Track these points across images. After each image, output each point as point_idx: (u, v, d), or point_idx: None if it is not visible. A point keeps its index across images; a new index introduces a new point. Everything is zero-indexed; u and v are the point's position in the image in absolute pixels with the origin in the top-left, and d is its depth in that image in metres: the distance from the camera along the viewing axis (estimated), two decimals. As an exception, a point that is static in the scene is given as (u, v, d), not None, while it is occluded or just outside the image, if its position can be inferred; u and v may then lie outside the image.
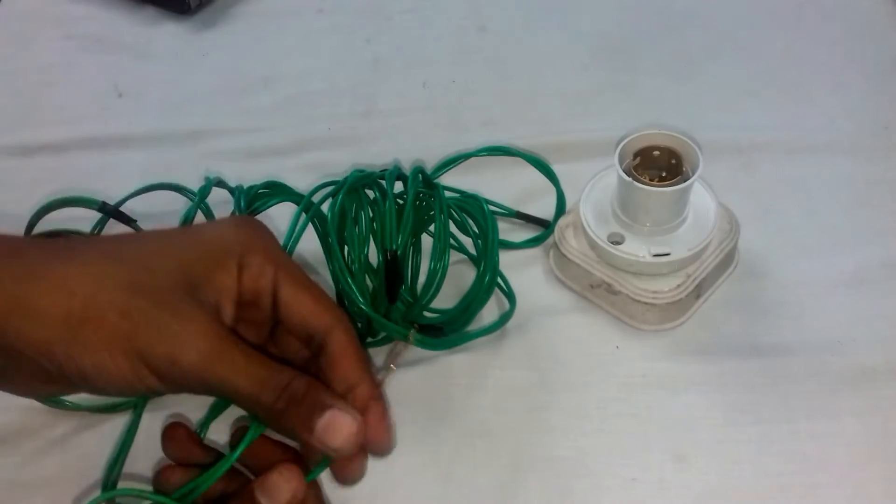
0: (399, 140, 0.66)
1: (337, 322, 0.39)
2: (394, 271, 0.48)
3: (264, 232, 0.40)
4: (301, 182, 0.55)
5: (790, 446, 0.48)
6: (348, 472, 0.40)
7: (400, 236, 0.48)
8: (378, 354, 0.54)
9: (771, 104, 0.67)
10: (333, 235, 0.48)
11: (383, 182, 0.50)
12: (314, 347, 0.39)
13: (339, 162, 0.64)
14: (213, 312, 0.36)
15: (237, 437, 0.41)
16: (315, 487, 0.40)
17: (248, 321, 0.39)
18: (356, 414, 0.37)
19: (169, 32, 0.78)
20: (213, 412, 0.44)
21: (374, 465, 0.48)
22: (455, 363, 0.53)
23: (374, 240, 0.49)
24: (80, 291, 0.34)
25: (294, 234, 0.47)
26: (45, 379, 0.36)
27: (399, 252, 0.48)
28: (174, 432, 0.40)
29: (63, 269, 0.35)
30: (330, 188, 0.50)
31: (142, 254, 0.37)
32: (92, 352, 0.34)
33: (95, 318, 0.34)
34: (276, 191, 0.50)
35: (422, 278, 0.51)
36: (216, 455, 0.41)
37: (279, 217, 0.51)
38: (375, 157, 0.64)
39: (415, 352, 0.53)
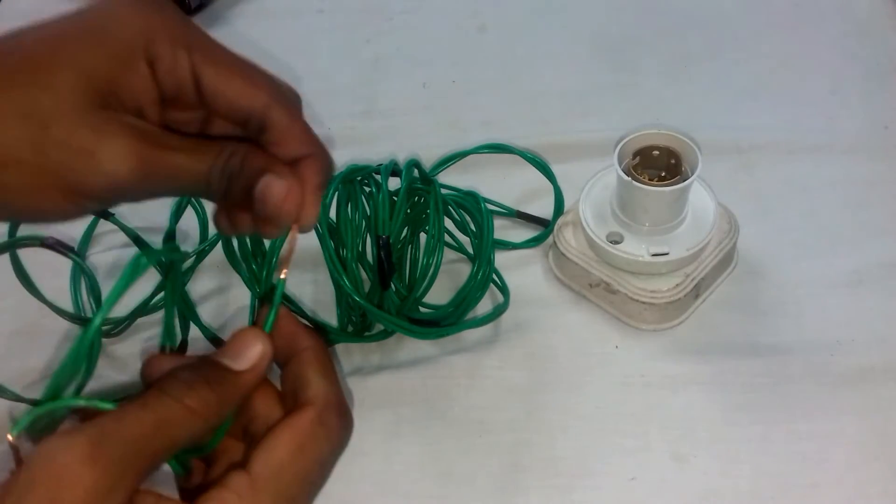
0: (399, 140, 0.66)
1: (274, 97, 0.36)
2: (386, 257, 0.48)
3: (167, 11, 0.36)
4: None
5: (789, 446, 0.48)
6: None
7: (392, 224, 0.48)
8: (374, 351, 0.54)
9: (771, 104, 0.67)
10: (325, 227, 0.48)
11: (378, 176, 0.50)
12: (254, 131, 0.36)
13: (339, 161, 0.63)
14: (133, 120, 0.34)
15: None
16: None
17: (175, 120, 0.36)
18: (289, 175, 0.35)
19: (169, 32, 0.78)
20: None
21: (374, 464, 0.49)
22: (455, 363, 0.53)
23: (368, 231, 0.49)
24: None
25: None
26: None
27: (391, 239, 0.48)
28: (154, 366, 0.36)
29: None
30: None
31: (38, 71, 0.33)
32: (22, 196, 0.33)
33: (12, 161, 0.32)
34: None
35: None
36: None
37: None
38: (375, 156, 0.64)
39: (415, 351, 0.53)
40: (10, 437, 0.30)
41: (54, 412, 0.32)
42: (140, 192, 0.34)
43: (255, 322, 0.36)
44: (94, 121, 0.33)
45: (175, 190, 0.35)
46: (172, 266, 0.38)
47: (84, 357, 0.32)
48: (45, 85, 0.33)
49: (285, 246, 0.36)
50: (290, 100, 0.37)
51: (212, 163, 0.34)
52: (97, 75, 0.33)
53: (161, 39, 0.34)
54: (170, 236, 0.54)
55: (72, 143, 0.32)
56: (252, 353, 0.34)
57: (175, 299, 0.38)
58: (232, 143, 0.35)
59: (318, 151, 0.37)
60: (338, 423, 0.34)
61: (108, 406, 0.31)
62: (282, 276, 0.35)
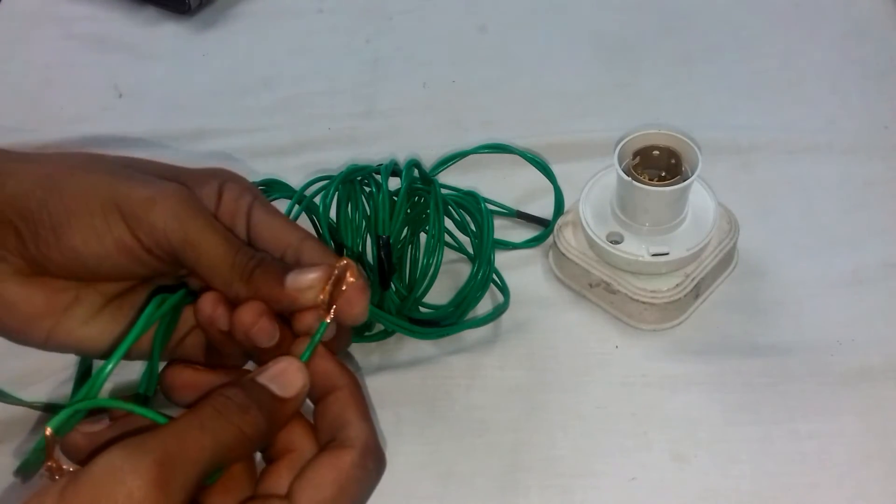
0: (399, 140, 0.66)
1: (307, 234, 0.39)
2: (386, 257, 0.48)
3: (239, 176, 0.41)
4: (301, 182, 0.55)
5: (789, 446, 0.48)
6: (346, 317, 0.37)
7: (392, 224, 0.48)
8: (374, 351, 0.54)
9: (771, 104, 0.67)
10: (325, 227, 0.48)
11: (378, 176, 0.50)
12: (288, 261, 0.39)
13: (339, 162, 0.64)
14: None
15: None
16: None
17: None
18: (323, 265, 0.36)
19: (169, 32, 0.78)
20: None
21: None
22: (455, 363, 0.53)
23: (368, 231, 0.50)
24: (51, 163, 0.36)
25: None
26: (18, 252, 0.36)
27: (391, 239, 0.48)
28: (176, 376, 0.37)
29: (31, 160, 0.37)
30: (325, 181, 0.51)
31: (131, 159, 0.39)
32: (67, 200, 0.35)
33: (68, 173, 0.36)
34: (273, 188, 0.50)
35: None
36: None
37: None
38: (375, 156, 0.64)
39: (415, 351, 0.53)
40: (48, 431, 0.31)
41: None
42: (164, 245, 0.36)
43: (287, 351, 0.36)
44: (154, 178, 0.38)
45: (196, 261, 0.36)
46: (171, 313, 0.38)
47: (97, 391, 0.33)
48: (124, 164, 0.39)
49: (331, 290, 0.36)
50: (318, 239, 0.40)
51: (242, 250, 0.36)
52: (175, 174, 0.39)
53: (233, 182, 0.39)
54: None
55: (127, 175, 0.37)
56: (297, 383, 0.34)
57: (165, 342, 0.38)
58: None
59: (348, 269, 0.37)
60: (374, 468, 0.34)
61: (159, 419, 0.32)
62: (327, 320, 0.36)
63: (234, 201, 0.39)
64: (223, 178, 0.39)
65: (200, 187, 0.38)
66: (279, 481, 0.34)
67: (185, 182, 0.38)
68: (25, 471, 0.34)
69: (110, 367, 0.33)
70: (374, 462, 0.34)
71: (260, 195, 0.40)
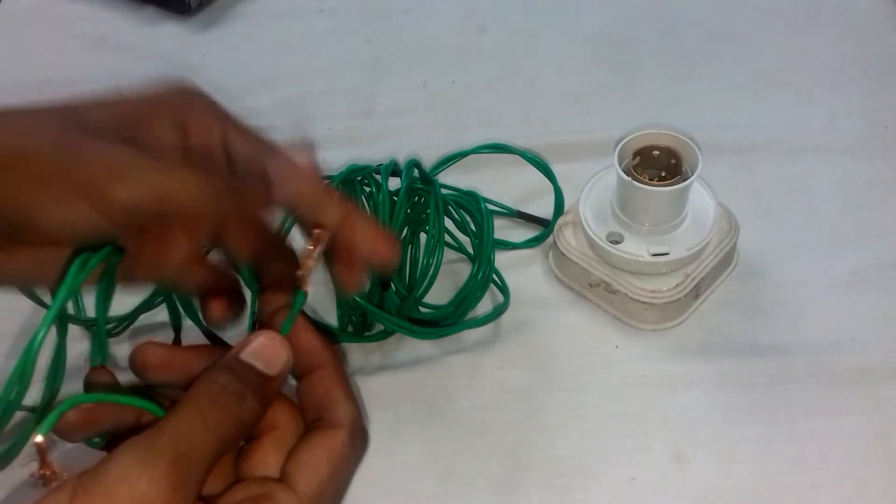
0: (399, 140, 0.66)
1: (295, 164, 0.38)
2: None
3: (203, 94, 0.39)
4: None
5: (790, 446, 0.48)
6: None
7: (392, 224, 0.48)
8: (374, 351, 0.54)
9: (771, 104, 0.67)
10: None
11: (378, 176, 0.50)
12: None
13: (339, 162, 0.63)
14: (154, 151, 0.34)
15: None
16: None
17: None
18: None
19: (169, 32, 0.78)
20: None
21: (374, 464, 0.49)
22: (455, 363, 0.53)
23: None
24: (8, 129, 0.33)
25: (285, 226, 0.47)
26: None
27: None
28: (149, 356, 0.36)
29: None
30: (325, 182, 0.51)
31: (75, 105, 0.35)
32: (27, 186, 0.32)
33: (28, 151, 0.32)
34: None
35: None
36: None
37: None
38: (375, 156, 0.64)
39: (415, 351, 0.53)
40: (38, 440, 0.30)
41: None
42: (142, 205, 0.33)
43: (266, 324, 0.36)
44: (117, 141, 0.33)
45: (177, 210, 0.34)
46: (107, 272, 0.35)
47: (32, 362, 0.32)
48: (79, 111, 0.34)
49: (310, 257, 0.36)
50: (304, 160, 0.39)
51: (218, 201, 0.34)
52: (129, 117, 0.35)
53: (195, 109, 0.37)
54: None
55: (92, 143, 0.32)
56: (281, 358, 0.34)
57: (106, 307, 0.36)
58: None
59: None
60: (361, 447, 0.35)
61: (157, 411, 0.32)
62: (305, 289, 0.35)
63: (201, 135, 0.36)
64: (182, 110, 0.36)
65: (154, 123, 0.35)
66: (265, 459, 0.34)
67: (136, 125, 0.35)
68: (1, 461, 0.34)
69: (40, 336, 0.31)
70: (361, 441, 0.35)
71: (229, 118, 0.38)
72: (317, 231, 0.36)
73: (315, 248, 0.36)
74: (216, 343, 0.41)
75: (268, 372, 0.34)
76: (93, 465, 0.29)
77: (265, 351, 0.34)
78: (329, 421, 0.34)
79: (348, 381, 0.36)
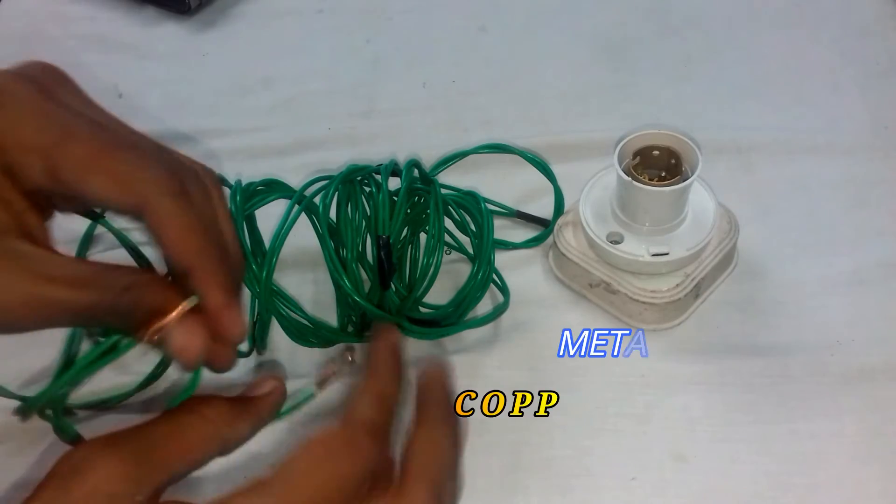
0: (399, 140, 0.66)
1: (151, 191, 0.32)
2: (386, 257, 0.48)
3: (19, 108, 0.33)
4: (300, 182, 0.55)
5: (789, 446, 0.48)
6: (215, 363, 0.35)
7: (392, 224, 0.48)
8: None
9: (771, 104, 0.67)
10: (324, 227, 0.48)
11: (378, 176, 0.50)
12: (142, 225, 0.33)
13: (339, 162, 0.64)
14: (8, 244, 0.31)
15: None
16: None
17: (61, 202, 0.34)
18: (195, 327, 0.32)
19: (169, 32, 0.78)
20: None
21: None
22: (454, 363, 0.53)
23: (368, 231, 0.50)
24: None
25: (285, 226, 0.47)
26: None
27: (391, 239, 0.48)
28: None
29: None
30: (325, 181, 0.51)
31: None
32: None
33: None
34: (273, 188, 0.50)
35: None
36: None
37: (277, 215, 0.51)
38: (375, 156, 0.64)
39: (415, 351, 0.53)
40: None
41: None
42: (27, 327, 0.31)
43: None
44: None
45: (60, 324, 0.32)
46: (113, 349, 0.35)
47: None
48: None
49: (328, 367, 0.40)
50: (170, 194, 0.32)
51: (99, 297, 0.31)
52: None
53: (10, 146, 0.32)
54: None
55: None
56: (267, 385, 0.36)
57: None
58: (130, 275, 0.32)
59: (208, 259, 0.33)
60: (371, 447, 0.33)
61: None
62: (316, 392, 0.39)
63: (30, 180, 0.32)
64: None
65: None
66: None
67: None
68: (24, 412, 0.34)
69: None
70: (370, 442, 0.34)
71: (52, 137, 0.32)
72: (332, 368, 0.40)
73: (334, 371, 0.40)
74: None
75: (249, 394, 0.36)
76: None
77: (252, 384, 0.36)
78: (339, 417, 0.34)
79: (390, 389, 0.37)
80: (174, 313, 0.32)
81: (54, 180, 0.32)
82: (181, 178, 0.34)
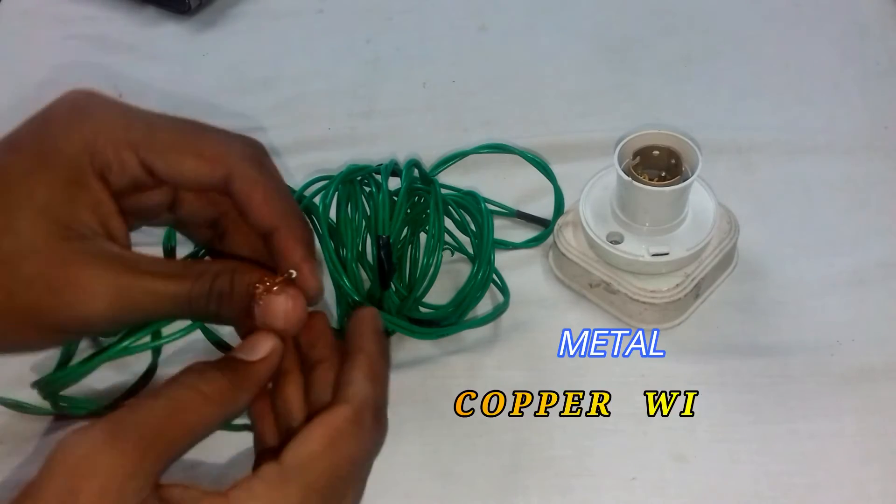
0: (399, 140, 0.66)
1: (236, 163, 0.35)
2: (386, 257, 0.48)
3: (104, 112, 0.35)
4: (301, 182, 0.55)
5: (789, 446, 0.48)
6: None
7: (392, 224, 0.48)
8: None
9: (771, 104, 0.67)
10: (324, 227, 0.48)
11: (378, 176, 0.50)
12: (229, 202, 0.36)
13: (339, 162, 0.64)
14: (103, 245, 0.33)
15: None
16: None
17: (143, 205, 0.37)
18: (288, 289, 0.35)
19: (169, 32, 0.78)
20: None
21: (374, 465, 0.49)
22: (455, 363, 0.53)
23: (368, 231, 0.50)
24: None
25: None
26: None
27: (391, 239, 0.48)
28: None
29: None
30: (325, 181, 0.51)
31: None
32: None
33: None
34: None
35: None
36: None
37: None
38: (375, 156, 0.64)
39: (415, 351, 0.53)
40: None
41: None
42: (120, 320, 0.33)
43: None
44: (61, 255, 0.32)
45: (156, 315, 0.34)
46: None
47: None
48: (4, 229, 0.32)
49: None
50: (252, 163, 0.36)
51: (192, 287, 0.34)
52: (53, 207, 0.33)
53: (104, 147, 0.34)
54: None
55: (42, 282, 0.32)
56: (264, 347, 0.34)
57: None
58: (218, 263, 0.35)
59: (291, 219, 0.36)
60: (373, 425, 0.34)
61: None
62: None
63: (123, 176, 0.35)
64: (90, 156, 0.34)
65: (79, 196, 0.34)
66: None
67: (63, 211, 0.33)
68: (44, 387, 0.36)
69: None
70: (372, 420, 0.34)
71: (139, 133, 0.35)
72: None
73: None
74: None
75: (246, 357, 0.34)
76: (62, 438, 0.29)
77: (247, 342, 0.35)
78: (339, 398, 0.34)
79: (383, 367, 0.36)
80: (278, 279, 0.35)
81: (148, 171, 0.35)
82: (256, 151, 0.37)
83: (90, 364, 0.37)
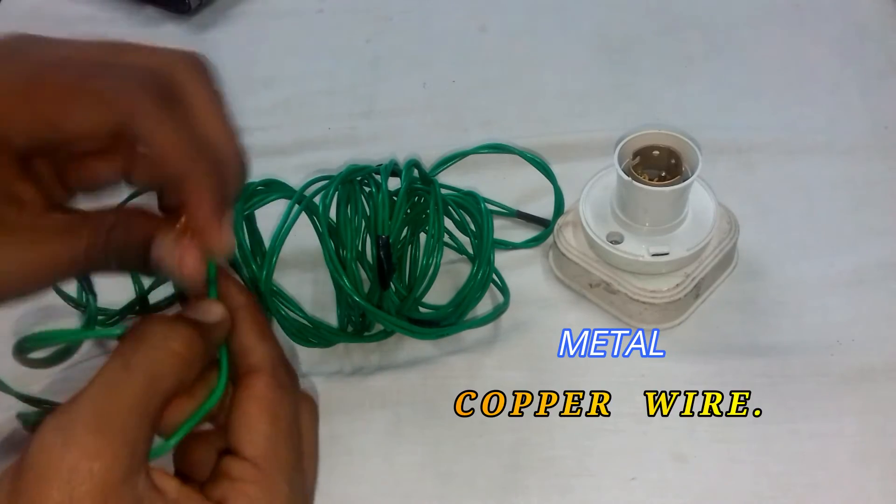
0: (399, 140, 0.66)
1: (134, 105, 0.30)
2: (386, 257, 0.48)
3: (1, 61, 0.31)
4: (300, 182, 0.55)
5: (790, 446, 0.48)
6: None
7: (392, 224, 0.48)
8: (374, 351, 0.54)
9: (771, 104, 0.67)
10: (324, 227, 0.48)
11: (378, 176, 0.50)
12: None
13: (339, 162, 0.64)
14: None
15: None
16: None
17: (94, 173, 0.33)
18: (180, 235, 0.31)
19: (169, 32, 0.78)
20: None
21: (374, 464, 0.49)
22: (455, 363, 0.53)
23: (368, 231, 0.50)
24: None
25: (285, 226, 0.47)
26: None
27: (391, 239, 0.48)
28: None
29: None
30: (325, 181, 0.51)
31: None
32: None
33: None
34: (273, 188, 0.50)
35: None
36: None
37: (277, 215, 0.51)
38: (375, 156, 0.64)
39: (415, 351, 0.53)
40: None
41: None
42: (23, 292, 0.31)
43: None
44: None
45: (59, 277, 0.32)
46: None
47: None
48: None
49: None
50: (156, 99, 0.31)
51: (87, 242, 0.31)
52: None
53: None
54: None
55: None
56: (218, 310, 0.33)
57: None
58: (112, 214, 0.32)
59: (199, 163, 0.32)
60: (289, 380, 0.33)
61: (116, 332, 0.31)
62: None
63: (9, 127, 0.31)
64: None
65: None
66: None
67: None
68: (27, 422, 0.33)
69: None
70: (288, 378, 0.33)
71: (19, 69, 0.31)
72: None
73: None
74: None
75: (205, 319, 0.32)
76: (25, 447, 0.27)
77: (198, 306, 0.32)
78: (246, 369, 0.32)
79: (264, 318, 0.34)
80: (168, 232, 0.32)
81: (40, 125, 0.30)
82: (165, 82, 0.32)
83: (76, 333, 0.36)
